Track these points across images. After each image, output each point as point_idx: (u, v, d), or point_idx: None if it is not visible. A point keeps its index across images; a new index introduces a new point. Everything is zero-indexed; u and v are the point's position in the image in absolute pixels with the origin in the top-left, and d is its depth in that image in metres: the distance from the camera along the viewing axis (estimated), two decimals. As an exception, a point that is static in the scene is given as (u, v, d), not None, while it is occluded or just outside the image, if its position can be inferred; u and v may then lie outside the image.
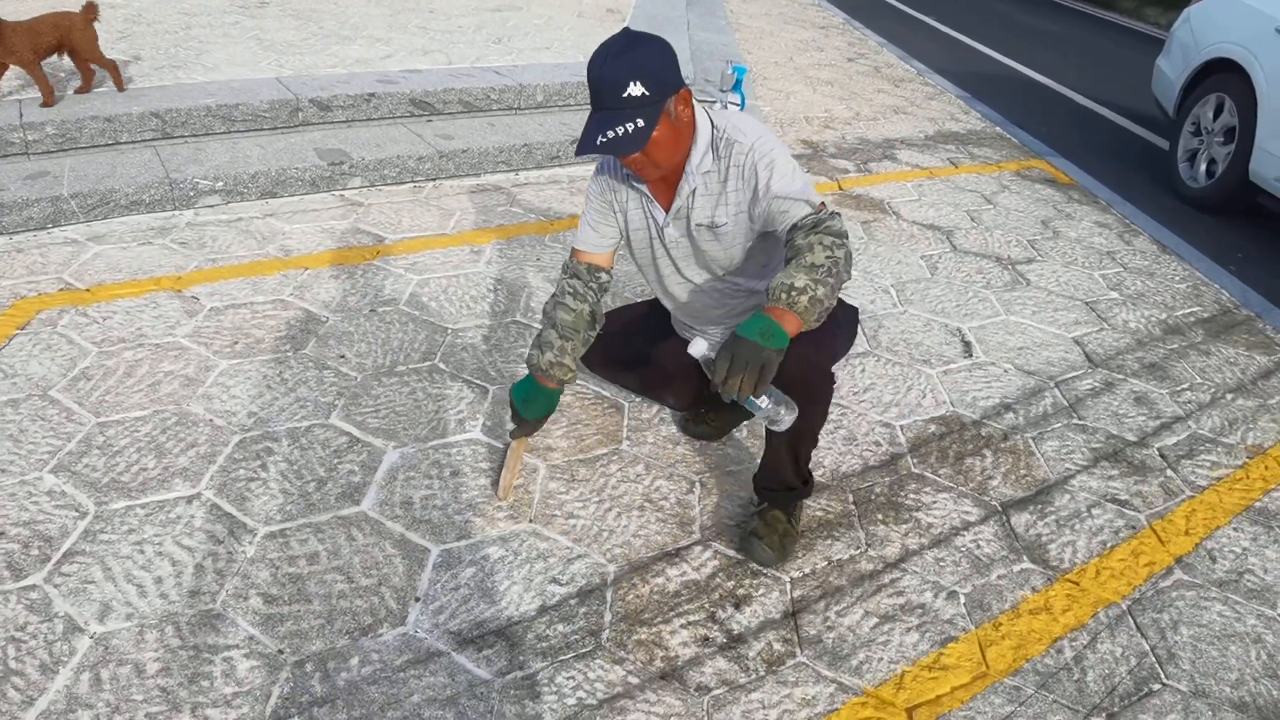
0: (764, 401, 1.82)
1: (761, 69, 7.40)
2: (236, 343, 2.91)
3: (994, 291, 3.85)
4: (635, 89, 1.83)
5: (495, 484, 2.40)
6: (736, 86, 5.43)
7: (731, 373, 1.74)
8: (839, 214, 1.97)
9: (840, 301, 2.21)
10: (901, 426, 2.86)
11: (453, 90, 4.80)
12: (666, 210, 2.16)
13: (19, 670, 1.81)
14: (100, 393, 2.63)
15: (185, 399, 2.63)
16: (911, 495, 2.56)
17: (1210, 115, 5.36)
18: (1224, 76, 5.27)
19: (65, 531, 2.15)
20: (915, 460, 2.71)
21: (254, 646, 1.91)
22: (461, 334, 3.10)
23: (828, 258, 1.84)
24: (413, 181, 4.34)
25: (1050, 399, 3.09)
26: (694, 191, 2.10)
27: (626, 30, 1.91)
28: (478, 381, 2.85)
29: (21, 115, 3.90)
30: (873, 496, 2.54)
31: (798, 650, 2.03)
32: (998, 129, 6.48)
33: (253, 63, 4.95)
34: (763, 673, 1.97)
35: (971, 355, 3.31)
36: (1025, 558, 2.38)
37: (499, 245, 3.77)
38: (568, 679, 1.90)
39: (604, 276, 2.26)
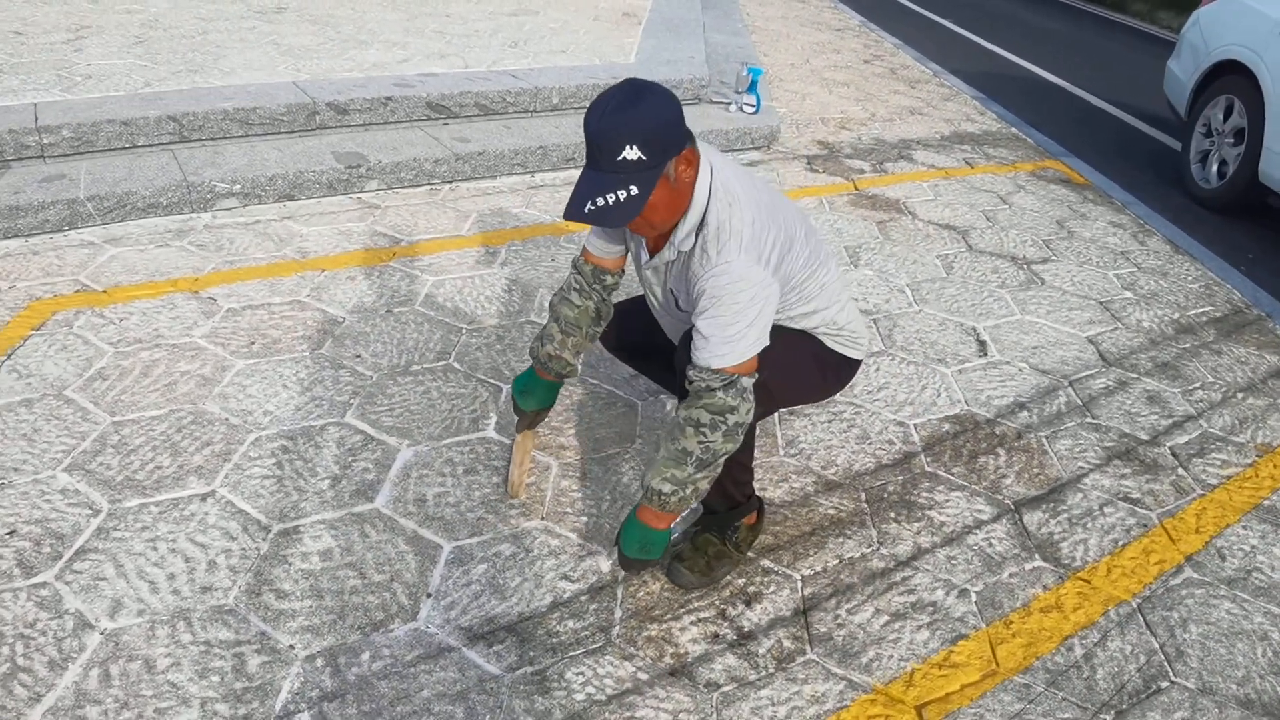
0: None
1: (777, 71, 7.40)
2: (253, 343, 2.94)
3: (1009, 291, 3.83)
4: (631, 153, 1.69)
5: (506, 482, 2.41)
6: (752, 88, 5.43)
7: (634, 576, 2.17)
8: (742, 385, 1.82)
9: (841, 356, 2.18)
10: (915, 425, 2.85)
11: (469, 93, 4.82)
12: (651, 255, 2.02)
13: (27, 667, 1.83)
14: (116, 392, 2.66)
15: (201, 398, 2.66)
16: (924, 494, 2.55)
17: (1220, 117, 5.33)
18: (1232, 78, 5.25)
19: (78, 529, 2.17)
20: (929, 459, 2.70)
21: (265, 642, 1.92)
22: (476, 334, 3.11)
23: (700, 444, 1.83)
24: (429, 184, 4.37)
25: (1064, 398, 3.08)
26: (671, 262, 1.98)
27: (630, 82, 1.75)
28: (491, 381, 2.86)
29: (37, 118, 3.94)
30: (885, 495, 2.53)
31: (808, 647, 2.03)
32: (1013, 129, 6.45)
33: (270, 67, 5.00)
34: (772, 670, 1.97)
35: (986, 354, 3.30)
36: (1037, 556, 2.36)
37: (514, 246, 3.79)
38: (577, 674, 1.91)
39: (609, 279, 2.22)
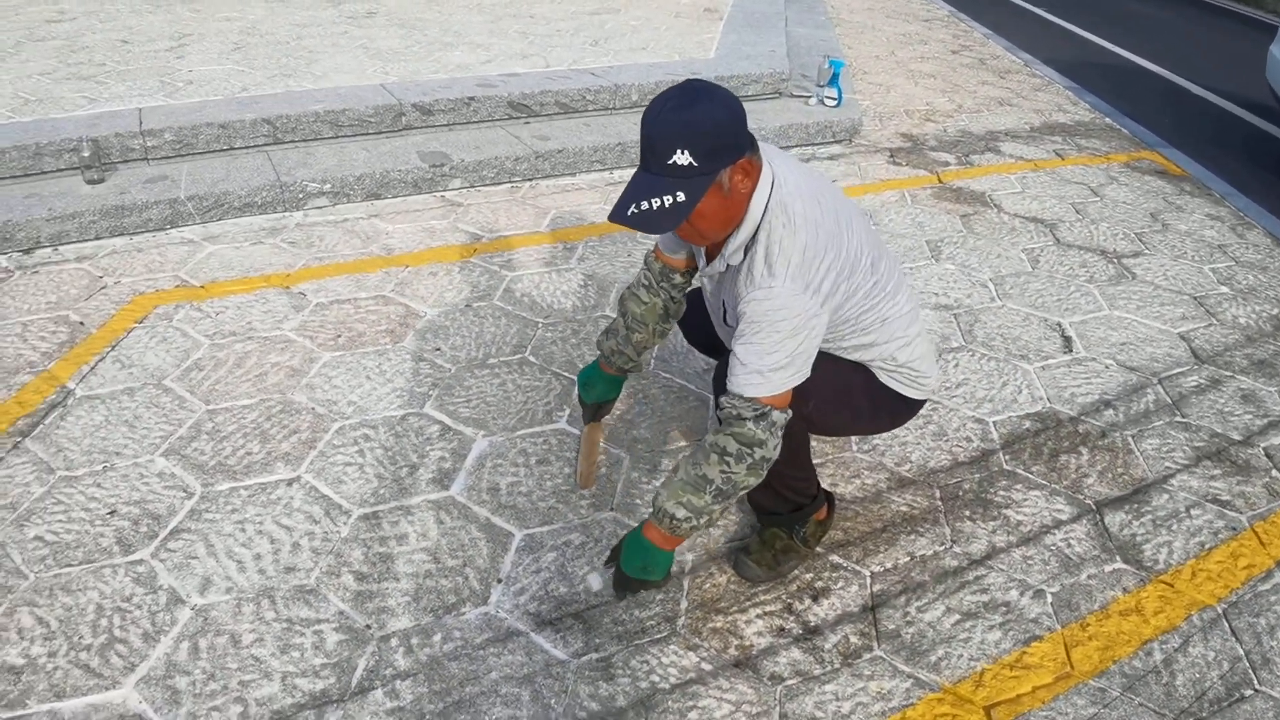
0: None
1: (861, 63, 7.30)
2: (339, 336, 3.05)
3: (1097, 285, 3.72)
4: (682, 157, 1.62)
5: (576, 473, 2.45)
6: (834, 81, 5.38)
7: (617, 597, 2.09)
8: (774, 418, 1.76)
9: (897, 394, 2.06)
10: (995, 422, 2.80)
11: (549, 92, 4.90)
12: (707, 262, 1.98)
13: (122, 638, 1.95)
14: (211, 382, 2.79)
15: (290, 389, 2.77)
16: (1001, 492, 2.51)
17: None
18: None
19: (173, 510, 2.30)
20: (1007, 457, 2.65)
21: (343, 621, 2.00)
22: (551, 328, 3.17)
23: (722, 473, 1.78)
24: (509, 182, 4.45)
25: (1152, 396, 2.98)
26: (722, 274, 1.92)
27: (690, 84, 1.67)
28: (566, 374, 2.91)
29: (142, 122, 4.14)
30: (960, 493, 2.50)
31: (875, 644, 2.02)
32: (1107, 120, 6.24)
33: (359, 70, 5.15)
34: (838, 665, 1.96)
35: (1071, 350, 3.21)
36: (1118, 558, 2.30)
37: (591, 243, 3.84)
38: (642, 663, 1.94)
39: (678, 278, 2.18)
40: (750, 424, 1.75)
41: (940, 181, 4.81)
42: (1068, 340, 3.28)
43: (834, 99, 5.41)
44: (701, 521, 1.84)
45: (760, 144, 1.82)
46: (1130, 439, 2.76)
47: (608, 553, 2.17)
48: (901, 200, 4.51)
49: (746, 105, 5.34)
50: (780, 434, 1.79)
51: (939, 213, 4.38)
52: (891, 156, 5.15)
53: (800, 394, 1.85)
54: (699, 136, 1.61)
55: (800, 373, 1.77)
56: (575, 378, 2.88)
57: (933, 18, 9.93)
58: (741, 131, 1.68)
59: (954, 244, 4.03)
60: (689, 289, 2.25)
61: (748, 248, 1.79)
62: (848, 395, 2.01)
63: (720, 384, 1.95)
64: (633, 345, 2.23)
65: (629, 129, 4.86)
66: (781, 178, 1.79)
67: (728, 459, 1.77)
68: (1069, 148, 5.56)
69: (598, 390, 2.33)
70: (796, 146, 5.19)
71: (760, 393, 1.74)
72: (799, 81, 5.82)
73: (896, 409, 2.10)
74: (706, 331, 2.33)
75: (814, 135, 5.21)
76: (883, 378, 2.02)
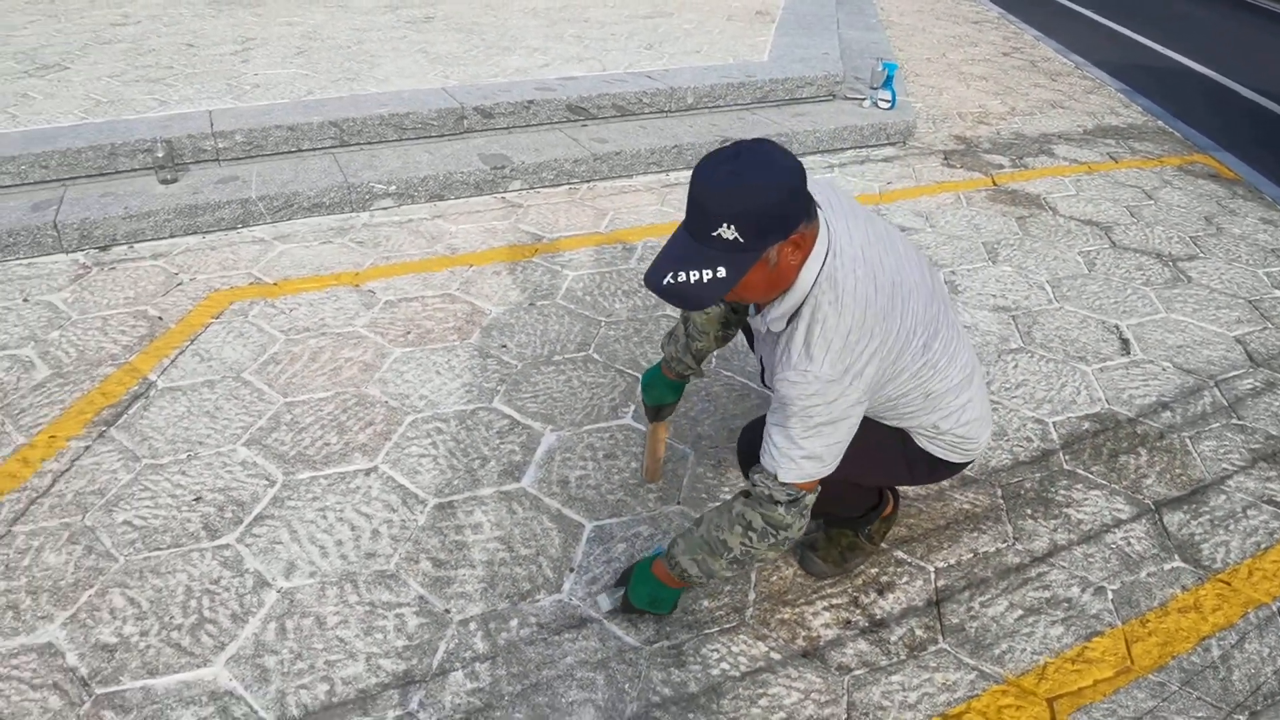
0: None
1: (913, 65, 7.30)
2: (409, 333, 3.14)
3: (1153, 288, 3.71)
4: (728, 232, 1.49)
5: (643, 467, 2.51)
6: (887, 83, 5.40)
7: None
8: (805, 503, 1.72)
9: (935, 457, 1.98)
10: (1054, 423, 2.81)
11: (606, 95, 4.97)
12: (755, 310, 1.85)
13: (212, 619, 2.04)
14: (287, 376, 2.89)
15: (363, 382, 2.86)
16: (1062, 491, 2.53)
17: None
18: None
19: (256, 497, 2.39)
20: (1067, 457, 2.67)
21: (423, 605, 2.08)
22: (614, 326, 3.23)
23: (742, 546, 1.76)
24: (568, 183, 4.53)
25: (1209, 398, 2.98)
26: (764, 333, 1.82)
27: (751, 148, 1.52)
28: (629, 371, 2.98)
29: (212, 124, 4.28)
30: (1022, 492, 2.52)
31: (940, 637, 2.05)
32: (1160, 123, 6.18)
33: (420, 74, 5.26)
34: (904, 657, 2.00)
35: (1129, 353, 3.22)
36: (1177, 556, 2.32)
37: (650, 244, 3.90)
38: (713, 650, 1.99)
39: None
40: (781, 509, 1.71)
41: (995, 184, 4.82)
42: (1125, 342, 3.28)
43: (888, 101, 5.43)
44: (709, 582, 1.85)
45: (826, 193, 1.74)
46: (1188, 440, 2.77)
47: (618, 575, 2.16)
48: (957, 202, 4.52)
49: (800, 108, 5.41)
50: (808, 516, 1.75)
51: (994, 215, 4.38)
52: (946, 159, 5.15)
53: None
54: (749, 214, 1.49)
55: (837, 459, 1.71)
56: (638, 375, 2.94)
57: (983, 20, 9.88)
58: (797, 205, 1.54)
59: (1010, 246, 4.04)
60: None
61: (791, 318, 1.69)
62: (881, 461, 1.96)
63: (748, 447, 1.94)
64: (692, 354, 2.22)
65: (685, 131, 4.92)
66: (839, 245, 1.65)
67: (751, 534, 1.75)
68: (1122, 150, 5.53)
69: (657, 393, 2.33)
70: (850, 148, 5.21)
71: (793, 479, 1.69)
72: (852, 84, 5.84)
73: (936, 469, 2.04)
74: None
75: (868, 137, 5.24)
76: (921, 443, 1.96)
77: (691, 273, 1.53)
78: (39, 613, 2.04)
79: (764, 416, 1.96)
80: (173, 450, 2.56)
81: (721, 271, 1.52)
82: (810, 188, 1.65)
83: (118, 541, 2.24)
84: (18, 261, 3.63)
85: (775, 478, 1.70)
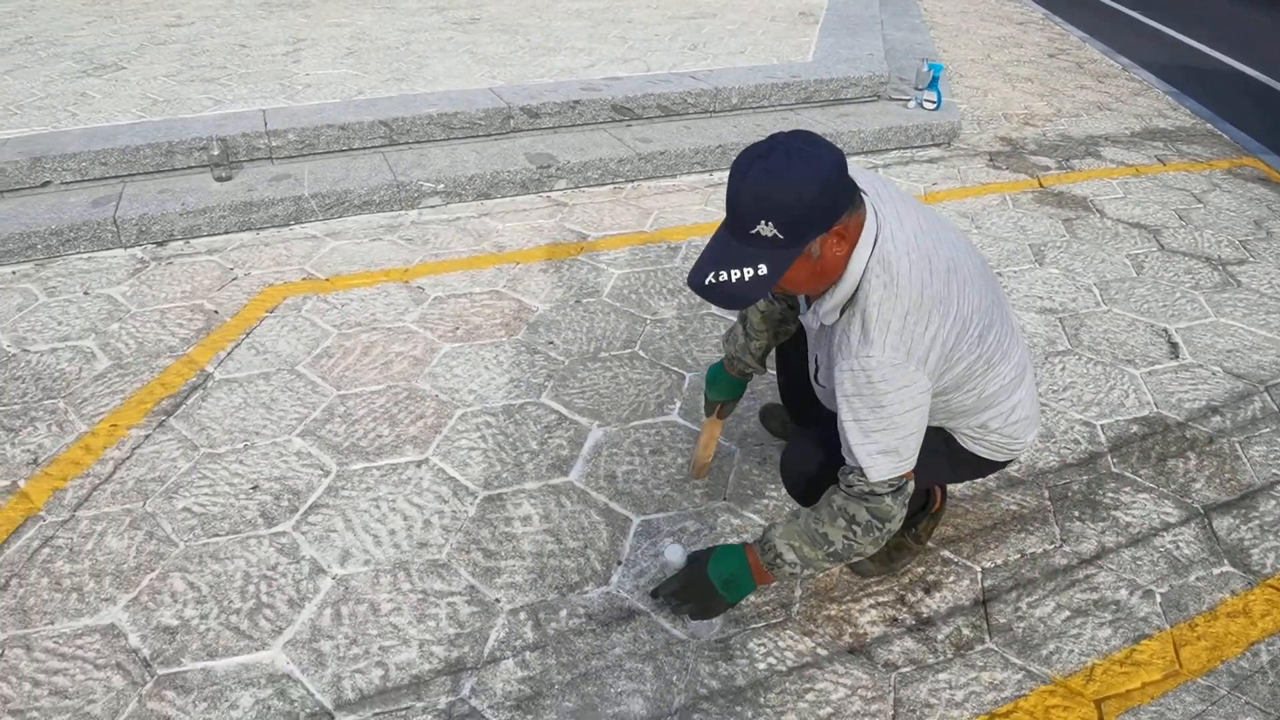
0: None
1: (958, 66, 7.25)
2: (458, 328, 3.19)
3: (1203, 292, 3.67)
4: (766, 229, 1.48)
5: (690, 463, 2.53)
6: (933, 84, 5.37)
7: (676, 597, 2.01)
8: (908, 489, 1.73)
9: (967, 453, 1.97)
10: (1102, 426, 2.80)
11: (651, 95, 5.00)
12: (806, 305, 1.83)
13: (270, 604, 2.09)
14: (340, 369, 2.95)
15: (414, 376, 2.91)
16: (1110, 494, 2.51)
17: None
18: None
19: (311, 487, 2.45)
20: (1115, 460, 2.65)
21: (474, 595, 2.12)
22: (659, 324, 3.26)
23: (845, 539, 1.73)
24: (613, 183, 4.57)
25: (1259, 403, 2.94)
26: (816, 328, 1.79)
27: (786, 141, 1.50)
28: (675, 369, 3.00)
29: (266, 123, 4.36)
30: (1069, 494, 2.51)
31: (986, 637, 2.06)
32: (1208, 125, 6.09)
33: (467, 74, 5.33)
34: (950, 655, 2.01)
35: (1178, 356, 3.19)
36: (1226, 561, 2.30)
37: (694, 243, 3.92)
38: (759, 645, 2.01)
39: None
40: (888, 499, 1.69)
41: (1041, 186, 4.78)
42: (1174, 346, 3.25)
43: (933, 102, 5.40)
44: (805, 573, 1.81)
45: (873, 182, 1.71)
46: (1238, 445, 2.74)
47: (659, 584, 2.10)
48: (1003, 204, 4.49)
49: (845, 109, 5.40)
50: (907, 504, 1.74)
51: (1041, 217, 4.35)
52: (991, 160, 5.12)
53: None
54: (787, 211, 1.47)
55: (912, 460, 1.69)
56: (683, 373, 2.97)
57: (1027, 20, 9.78)
58: (836, 196, 1.52)
59: (1057, 248, 4.01)
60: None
61: (844, 308, 1.65)
62: (925, 463, 1.86)
63: (795, 464, 1.93)
64: (750, 353, 2.19)
65: (729, 131, 4.93)
66: (889, 230, 1.62)
67: (855, 528, 1.72)
68: (1170, 153, 5.46)
69: (720, 389, 2.30)
70: (895, 149, 5.20)
71: (900, 471, 1.68)
72: (896, 85, 5.82)
73: (979, 468, 2.04)
74: (800, 386, 2.23)
75: (913, 138, 5.22)
76: (966, 444, 1.94)
77: (733, 272, 1.52)
78: (102, 595, 2.11)
79: (803, 438, 1.97)
80: (230, 440, 2.62)
81: (763, 269, 1.51)
82: (856, 177, 1.64)
83: (178, 527, 2.31)
84: (78, 256, 3.73)
85: (865, 477, 1.68)
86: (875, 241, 1.60)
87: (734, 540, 2.30)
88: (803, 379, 2.13)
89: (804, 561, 1.80)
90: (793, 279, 1.58)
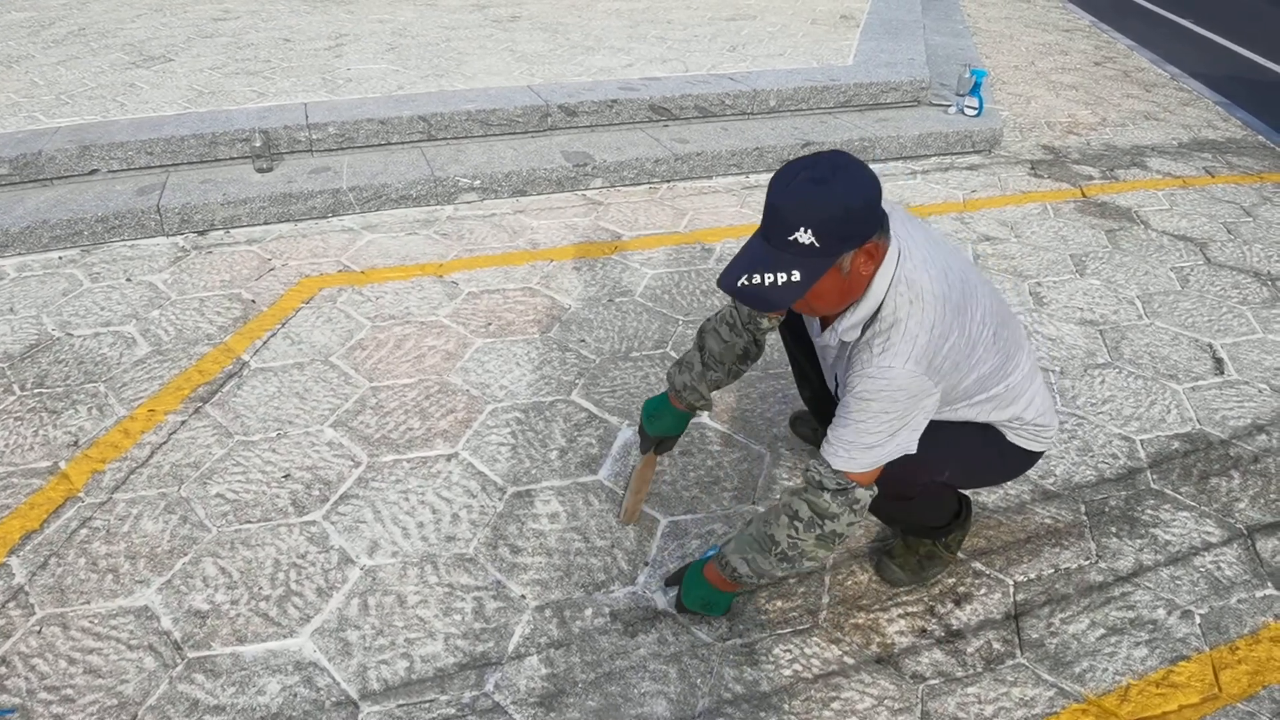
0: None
1: (1001, 73, 7.17)
2: (490, 324, 3.20)
3: (1250, 308, 3.59)
4: (805, 236, 1.51)
5: (620, 508, 2.38)
6: (975, 90, 5.31)
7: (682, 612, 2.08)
8: (855, 496, 1.71)
9: (1025, 451, 2.02)
10: (1142, 441, 2.75)
11: (689, 96, 4.99)
12: (821, 328, 1.88)
13: (299, 592, 2.11)
14: (373, 361, 2.96)
15: (445, 371, 2.92)
16: (1149, 511, 2.47)
17: None
18: None
19: (342, 477, 2.46)
20: (1155, 476, 2.60)
21: (500, 590, 2.12)
22: (692, 325, 3.25)
23: (789, 539, 1.75)
24: (649, 183, 4.56)
25: (1312, 423, 2.87)
26: (835, 346, 1.83)
27: (830, 158, 1.56)
28: (706, 370, 2.98)
29: (307, 116, 4.40)
30: (1106, 509, 2.47)
31: (1018, 651, 2.02)
32: (1260, 137, 5.97)
33: (506, 72, 5.34)
34: (980, 669, 1.98)
35: (1223, 373, 3.12)
36: (1270, 584, 2.24)
37: (729, 244, 3.90)
38: (785, 651, 1.99)
39: (765, 323, 2.08)
40: (828, 495, 1.71)
41: (1084, 195, 4.71)
42: (1219, 362, 3.19)
43: (974, 109, 5.34)
44: (762, 580, 1.85)
45: (885, 205, 1.73)
46: (1285, 466, 2.68)
47: (671, 574, 2.15)
48: (1044, 213, 4.43)
49: (884, 113, 5.36)
50: (861, 513, 1.74)
51: (1083, 227, 4.29)
52: (1033, 168, 5.06)
53: (934, 465, 1.85)
54: (827, 219, 1.51)
55: (899, 451, 1.71)
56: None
57: (1073, 28, 9.66)
58: (873, 217, 1.58)
59: (1099, 259, 3.95)
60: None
61: (867, 325, 1.70)
62: (979, 459, 1.98)
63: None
64: (706, 383, 2.15)
65: (766, 133, 4.91)
66: (907, 251, 1.69)
67: (797, 524, 1.75)
68: (1219, 165, 5.36)
69: (664, 424, 2.23)
70: (934, 155, 5.15)
71: (847, 467, 1.70)
72: (938, 90, 5.77)
73: (1023, 462, 2.07)
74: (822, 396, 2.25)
75: (953, 145, 5.16)
76: (1010, 436, 1.98)
77: (766, 275, 1.56)
78: (136, 577, 2.13)
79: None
80: (264, 428, 2.65)
81: (796, 275, 1.55)
82: None
83: (211, 513, 2.33)
84: (122, 243, 3.78)
85: (829, 465, 1.71)
86: (898, 261, 1.67)
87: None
88: (826, 393, 2.18)
89: (757, 572, 1.85)
90: (820, 291, 1.62)
